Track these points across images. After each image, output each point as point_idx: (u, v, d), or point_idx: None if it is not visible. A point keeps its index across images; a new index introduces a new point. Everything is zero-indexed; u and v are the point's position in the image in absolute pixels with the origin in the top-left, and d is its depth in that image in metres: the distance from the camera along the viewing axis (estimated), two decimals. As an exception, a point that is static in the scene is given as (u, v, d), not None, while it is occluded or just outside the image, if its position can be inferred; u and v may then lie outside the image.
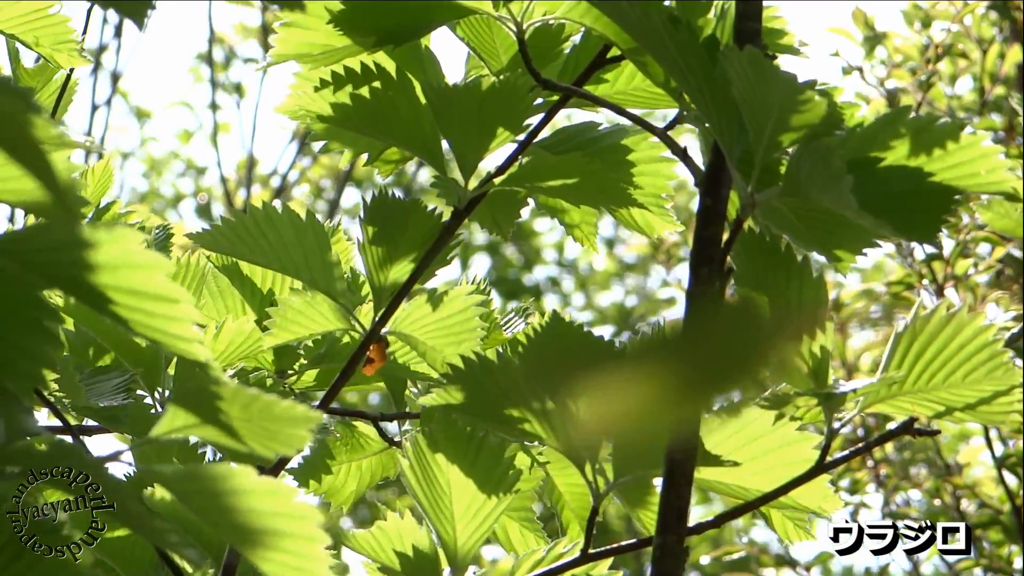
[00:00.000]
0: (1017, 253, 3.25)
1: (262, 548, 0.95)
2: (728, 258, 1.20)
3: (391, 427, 1.53)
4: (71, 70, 1.54)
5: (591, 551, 1.33)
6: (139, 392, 1.42)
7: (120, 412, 1.35)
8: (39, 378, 0.94)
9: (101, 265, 0.92)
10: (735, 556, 3.37)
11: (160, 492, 1.09)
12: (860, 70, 3.53)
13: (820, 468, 1.28)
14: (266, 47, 5.75)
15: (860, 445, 1.31)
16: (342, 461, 1.51)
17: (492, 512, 1.33)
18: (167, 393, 1.45)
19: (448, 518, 1.33)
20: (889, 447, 3.52)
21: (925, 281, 3.30)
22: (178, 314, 0.93)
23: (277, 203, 1.36)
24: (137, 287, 0.92)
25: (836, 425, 1.27)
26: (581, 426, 1.29)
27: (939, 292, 3.32)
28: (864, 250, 1.21)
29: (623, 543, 1.33)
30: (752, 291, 1.22)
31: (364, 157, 1.39)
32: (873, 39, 3.52)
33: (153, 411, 1.44)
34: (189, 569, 1.34)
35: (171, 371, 1.46)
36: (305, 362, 1.51)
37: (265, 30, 5.87)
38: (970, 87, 3.60)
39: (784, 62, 1.27)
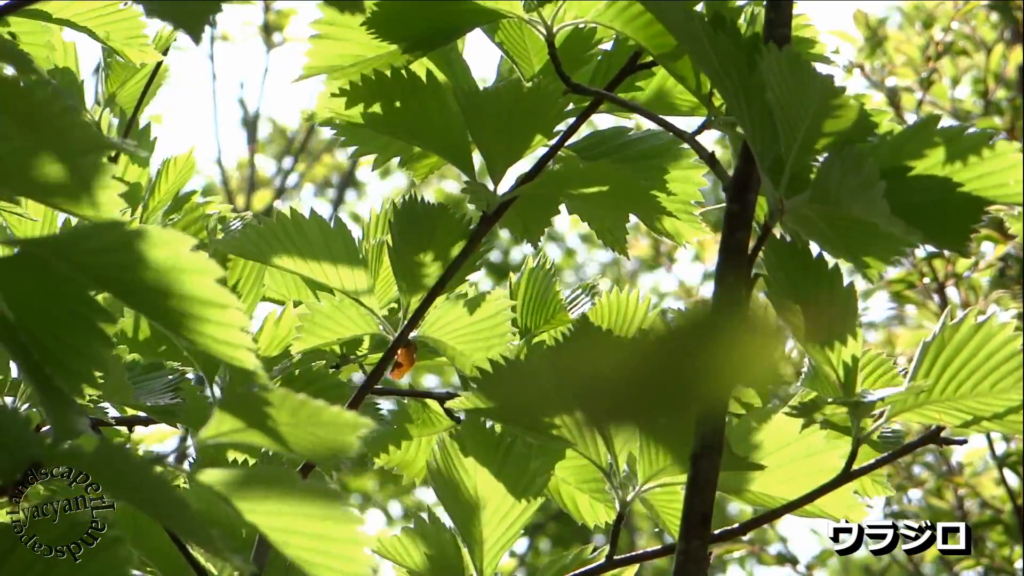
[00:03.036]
0: (1018, 253, 3.25)
1: (307, 551, 0.95)
2: (754, 264, 1.20)
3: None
4: (159, 64, 1.57)
5: (616, 557, 1.33)
6: (194, 383, 1.43)
7: (176, 407, 1.36)
8: (90, 377, 0.95)
9: (151, 268, 0.92)
10: (736, 554, 3.37)
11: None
12: (861, 67, 3.54)
13: (846, 477, 1.28)
14: (269, 44, 5.74)
15: (887, 454, 1.31)
16: (413, 436, 1.52)
17: (519, 517, 1.33)
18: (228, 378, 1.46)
19: (475, 523, 1.33)
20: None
21: (926, 279, 3.30)
22: (227, 320, 0.93)
23: (305, 208, 1.36)
24: (186, 291, 0.92)
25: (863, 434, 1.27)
26: (609, 432, 1.29)
27: (940, 291, 3.32)
28: (892, 258, 1.21)
29: (648, 550, 1.33)
30: (782, 297, 1.22)
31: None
32: (874, 41, 3.52)
33: (209, 402, 1.44)
34: (214, 570, 1.34)
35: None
36: (367, 348, 1.53)
37: (267, 28, 5.84)
38: (972, 88, 3.60)
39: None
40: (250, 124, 6.21)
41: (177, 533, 0.95)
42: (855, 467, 1.28)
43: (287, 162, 6.37)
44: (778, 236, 1.22)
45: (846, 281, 1.22)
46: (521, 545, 6.03)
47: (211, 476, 0.95)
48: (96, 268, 0.92)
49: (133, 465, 0.92)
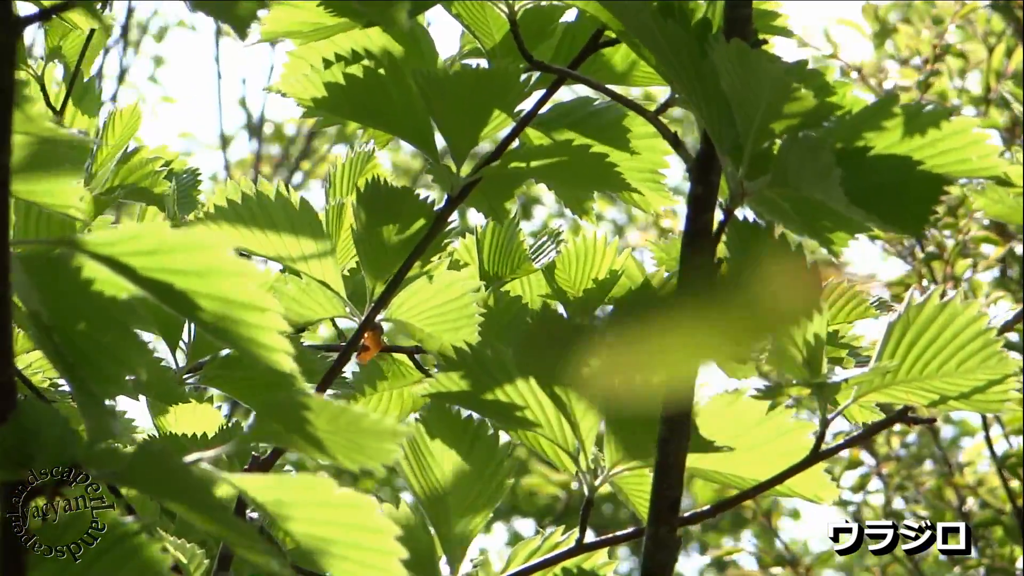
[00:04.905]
0: (1019, 250, 3.24)
1: (340, 560, 0.95)
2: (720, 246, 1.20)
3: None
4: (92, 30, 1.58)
5: (586, 541, 1.33)
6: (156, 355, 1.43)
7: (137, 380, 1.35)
8: (123, 382, 0.95)
9: (190, 271, 0.93)
10: (734, 555, 3.36)
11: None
12: (859, 70, 3.53)
13: (815, 457, 1.28)
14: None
15: (855, 434, 1.31)
16: (385, 388, 1.51)
17: (488, 501, 1.33)
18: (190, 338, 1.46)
19: (443, 507, 1.33)
20: (895, 443, 3.52)
21: (924, 281, 3.30)
22: (266, 323, 0.93)
23: (271, 189, 1.35)
24: (226, 294, 0.93)
25: (831, 415, 1.27)
26: (576, 405, 1.29)
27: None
28: (856, 235, 1.21)
29: (618, 533, 1.33)
30: (744, 279, 1.22)
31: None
32: (883, 33, 3.52)
33: (174, 372, 1.44)
34: (183, 559, 1.33)
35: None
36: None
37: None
38: (976, 84, 3.60)
39: (778, 45, 1.27)
40: (253, 126, 6.23)
41: (218, 536, 0.95)
42: (824, 447, 1.28)
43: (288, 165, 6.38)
44: (740, 218, 1.22)
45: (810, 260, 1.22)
46: (528, 528, 6.04)
47: (247, 481, 0.95)
48: (136, 270, 0.93)
49: (173, 469, 0.92)
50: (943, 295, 1.23)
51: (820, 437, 1.27)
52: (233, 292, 0.93)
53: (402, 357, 1.52)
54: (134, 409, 1.50)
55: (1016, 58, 3.54)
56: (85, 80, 1.65)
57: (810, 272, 1.23)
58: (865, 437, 1.31)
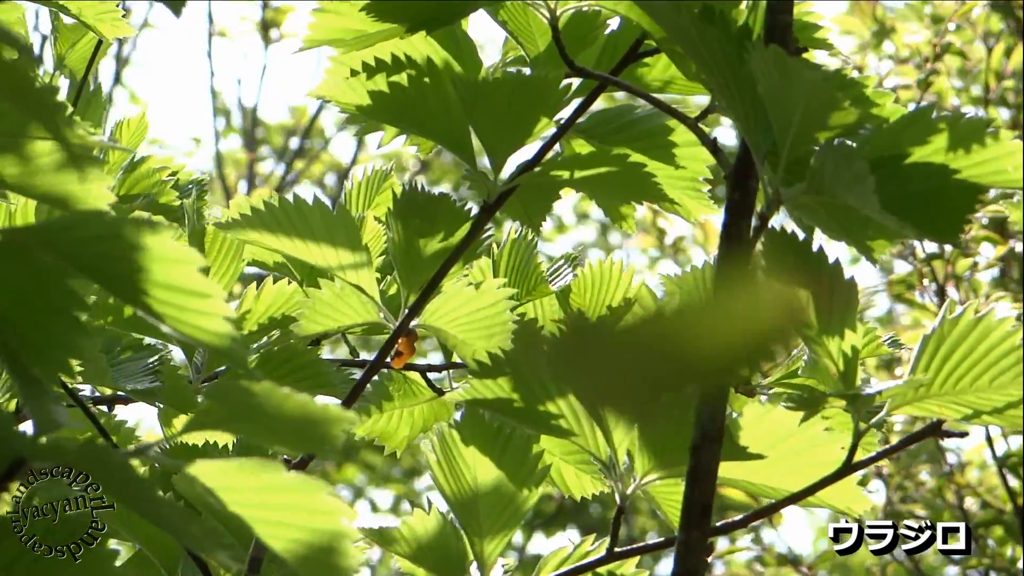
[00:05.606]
0: (1019, 249, 3.25)
1: (291, 543, 0.94)
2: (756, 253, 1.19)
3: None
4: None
5: (617, 549, 1.33)
6: (174, 363, 1.43)
7: (156, 389, 1.36)
8: (67, 367, 0.95)
9: (135, 258, 0.92)
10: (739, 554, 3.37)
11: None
12: (860, 70, 3.54)
13: (848, 469, 1.28)
14: (267, 41, 5.74)
15: (888, 446, 1.31)
16: (395, 407, 1.52)
17: (519, 508, 1.33)
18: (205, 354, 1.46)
19: (474, 513, 1.33)
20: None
21: (925, 281, 3.30)
22: (210, 309, 0.93)
23: (308, 195, 1.36)
24: (170, 281, 0.93)
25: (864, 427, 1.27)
26: (607, 420, 1.29)
27: (940, 291, 3.32)
28: (895, 242, 1.21)
29: (649, 542, 1.33)
30: (781, 287, 1.22)
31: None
32: (881, 33, 3.52)
33: (189, 382, 1.44)
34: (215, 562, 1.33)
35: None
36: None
37: (265, 24, 5.86)
38: (976, 84, 3.60)
39: (816, 56, 1.27)
40: (248, 122, 6.21)
41: (164, 530, 0.94)
42: (857, 459, 1.28)
43: (285, 160, 6.36)
44: (777, 227, 1.21)
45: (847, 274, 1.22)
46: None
47: (197, 467, 0.95)
48: (81, 258, 0.93)
49: (115, 463, 0.92)
50: (978, 310, 1.23)
51: (853, 449, 1.27)
52: (176, 279, 0.93)
53: (414, 376, 1.52)
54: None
55: (1015, 57, 3.54)
56: (91, 89, 1.65)
57: (848, 285, 1.23)
58: (897, 449, 1.31)
